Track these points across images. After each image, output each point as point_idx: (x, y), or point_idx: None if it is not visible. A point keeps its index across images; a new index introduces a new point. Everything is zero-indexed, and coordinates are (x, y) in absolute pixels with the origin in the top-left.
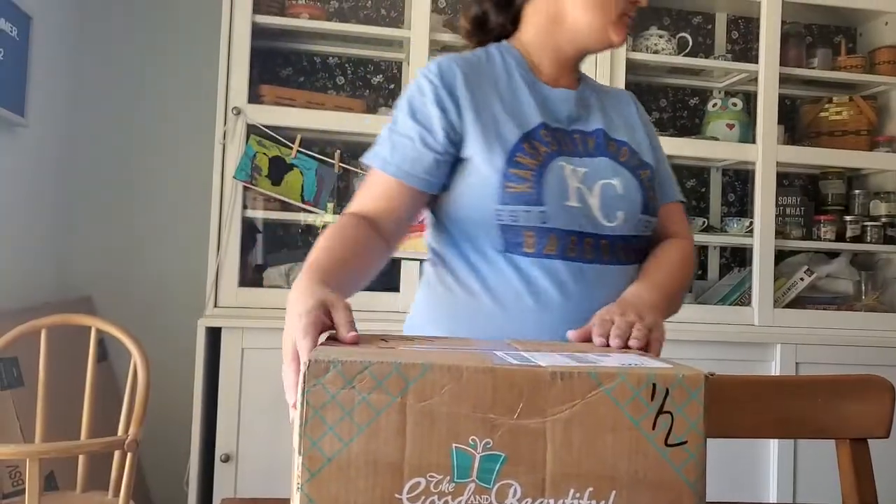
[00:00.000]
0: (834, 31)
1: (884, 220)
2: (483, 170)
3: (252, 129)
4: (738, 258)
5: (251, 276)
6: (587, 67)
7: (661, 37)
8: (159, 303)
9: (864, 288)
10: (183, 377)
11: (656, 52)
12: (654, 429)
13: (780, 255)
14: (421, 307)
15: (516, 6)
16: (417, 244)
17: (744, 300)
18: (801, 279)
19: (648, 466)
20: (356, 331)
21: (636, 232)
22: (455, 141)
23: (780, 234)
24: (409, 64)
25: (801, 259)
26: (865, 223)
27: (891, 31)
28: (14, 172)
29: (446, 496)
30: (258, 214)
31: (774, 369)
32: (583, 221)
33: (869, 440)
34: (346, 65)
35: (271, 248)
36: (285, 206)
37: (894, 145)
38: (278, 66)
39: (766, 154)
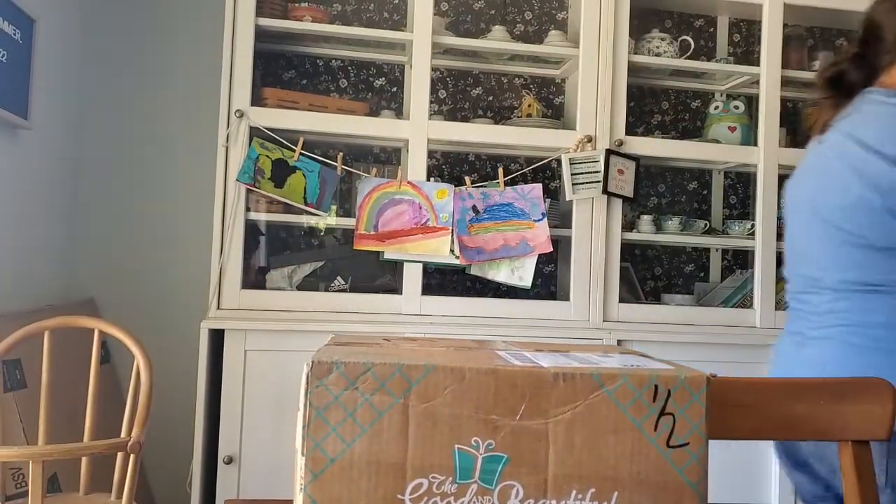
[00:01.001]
0: (836, 33)
1: None
2: None
3: (255, 132)
4: (739, 260)
5: (254, 279)
6: (588, 68)
7: (662, 39)
8: (162, 305)
9: None
10: (186, 379)
11: (658, 54)
12: (655, 430)
13: (782, 258)
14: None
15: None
16: (419, 246)
17: (746, 302)
18: None
19: (650, 468)
20: None
21: None
22: None
23: (782, 236)
24: (411, 66)
25: None
26: None
27: None
28: (17, 174)
29: (449, 497)
30: (261, 217)
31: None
32: None
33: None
34: (349, 67)
35: (274, 251)
36: (288, 209)
37: None
38: (281, 68)
39: (767, 157)
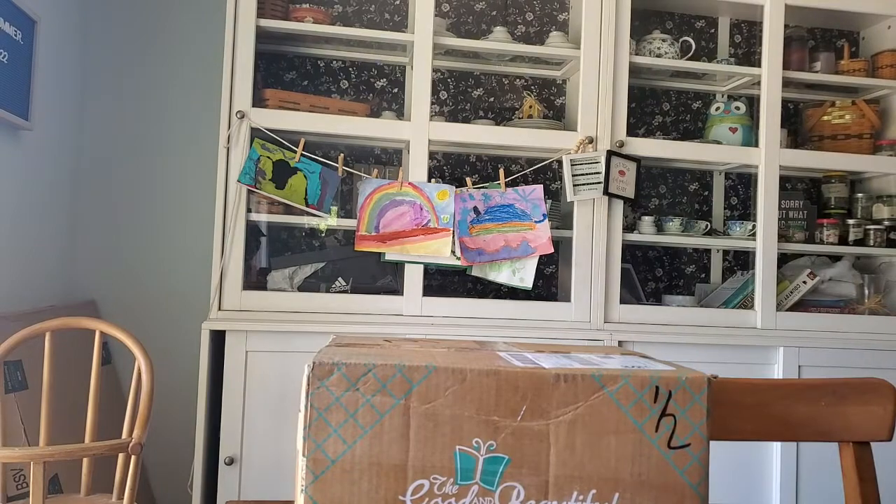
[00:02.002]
0: (837, 34)
1: (886, 223)
2: None
3: (256, 133)
4: (740, 261)
5: (255, 280)
6: (589, 69)
7: (664, 40)
8: (163, 306)
9: (866, 291)
10: (187, 380)
11: (659, 55)
12: (657, 431)
13: (783, 259)
14: None
15: None
16: (420, 247)
17: (747, 303)
18: (804, 282)
19: (651, 469)
20: None
21: None
22: None
23: (783, 237)
24: (412, 68)
25: (803, 262)
26: (868, 227)
27: (893, 35)
28: (18, 175)
29: (450, 498)
30: (262, 218)
31: (777, 372)
32: None
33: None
34: (350, 68)
35: (275, 252)
36: (289, 210)
37: None
38: (282, 69)
39: (768, 157)
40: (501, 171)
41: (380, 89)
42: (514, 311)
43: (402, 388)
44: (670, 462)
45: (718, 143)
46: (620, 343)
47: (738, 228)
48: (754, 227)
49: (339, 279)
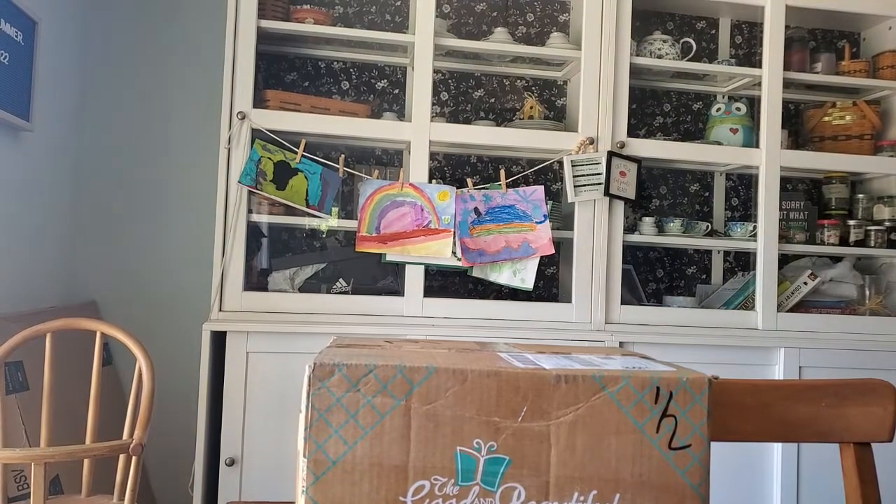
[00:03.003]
0: (837, 35)
1: (887, 224)
2: None
3: (257, 134)
4: (741, 262)
5: (256, 281)
6: (590, 69)
7: (664, 41)
8: (164, 307)
9: (867, 292)
10: (188, 381)
11: (660, 56)
12: (657, 432)
13: (784, 260)
14: None
15: None
16: (421, 248)
17: (747, 304)
18: (805, 283)
19: (652, 470)
20: None
21: None
22: None
23: (784, 238)
24: (413, 69)
25: (804, 263)
26: (869, 227)
27: (894, 36)
28: (19, 176)
29: (451, 499)
30: (263, 219)
31: (778, 373)
32: None
33: (872, 444)
34: (351, 69)
35: (276, 253)
36: (290, 211)
37: None
38: (283, 70)
39: (769, 158)
40: (502, 172)
41: (381, 90)
42: (515, 312)
43: (403, 389)
44: (671, 463)
45: (719, 143)
46: (621, 344)
47: (738, 229)
48: (755, 227)
49: (340, 280)
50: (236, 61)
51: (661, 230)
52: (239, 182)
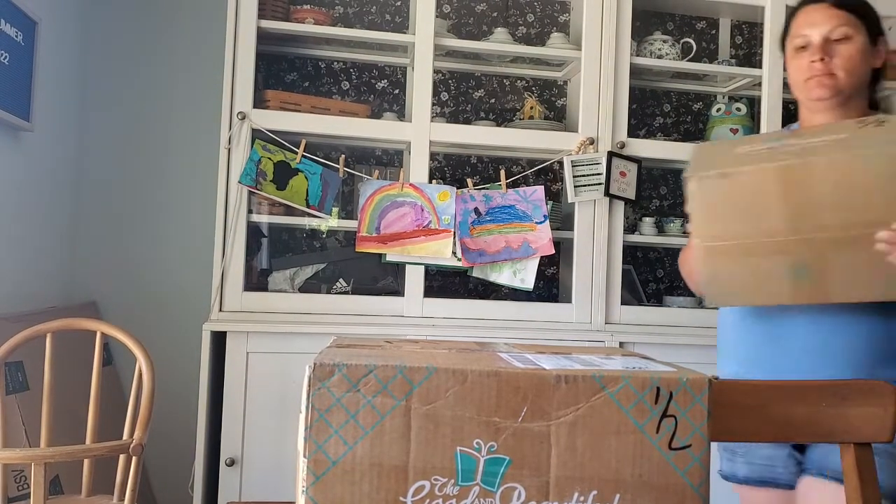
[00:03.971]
0: None
1: None
2: None
3: (257, 134)
4: None
5: (256, 281)
6: (590, 70)
7: (664, 42)
8: (164, 307)
9: None
10: (188, 381)
11: (660, 56)
12: (658, 432)
13: None
14: None
15: None
16: (421, 248)
17: None
18: None
19: (652, 470)
20: None
21: None
22: None
23: None
24: (413, 69)
25: None
26: None
27: (895, 36)
28: (19, 177)
29: (451, 499)
30: (263, 219)
31: None
32: None
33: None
34: (351, 70)
35: (276, 253)
36: (290, 211)
37: None
38: (283, 70)
39: None
40: (502, 173)
41: (381, 90)
42: (515, 312)
43: (403, 389)
44: (671, 463)
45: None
46: (621, 344)
47: None
48: None
49: (340, 280)
50: (236, 61)
51: (661, 230)
52: (239, 182)
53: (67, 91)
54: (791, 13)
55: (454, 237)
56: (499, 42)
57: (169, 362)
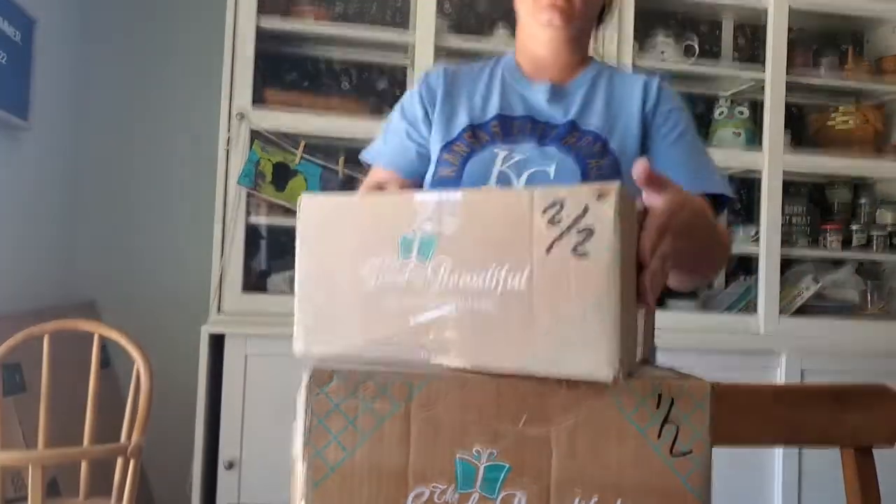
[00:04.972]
0: (841, 38)
1: (890, 228)
2: (432, 158)
3: (256, 135)
4: (743, 266)
5: (255, 283)
6: None
7: (667, 43)
8: (162, 309)
9: (869, 297)
10: (186, 383)
11: (662, 58)
12: (659, 437)
13: (786, 264)
14: None
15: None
16: None
17: (749, 308)
18: (807, 287)
19: (654, 475)
20: None
21: None
22: (429, 135)
23: (786, 242)
24: (413, 68)
25: (806, 267)
26: (871, 232)
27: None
28: (17, 176)
29: None
30: (262, 220)
31: (780, 377)
32: None
33: (874, 449)
34: (351, 69)
35: (275, 255)
36: (289, 212)
37: None
38: (283, 70)
39: (772, 162)
40: None
41: (381, 90)
42: None
43: (403, 394)
44: (672, 469)
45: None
46: None
47: (740, 233)
48: (757, 231)
49: None
50: (235, 60)
51: None
52: (238, 183)
53: (66, 90)
54: None
55: None
56: (500, 41)
57: (167, 364)
